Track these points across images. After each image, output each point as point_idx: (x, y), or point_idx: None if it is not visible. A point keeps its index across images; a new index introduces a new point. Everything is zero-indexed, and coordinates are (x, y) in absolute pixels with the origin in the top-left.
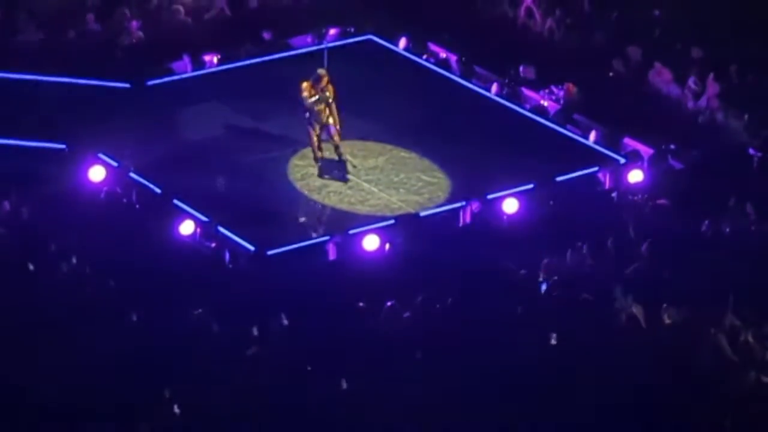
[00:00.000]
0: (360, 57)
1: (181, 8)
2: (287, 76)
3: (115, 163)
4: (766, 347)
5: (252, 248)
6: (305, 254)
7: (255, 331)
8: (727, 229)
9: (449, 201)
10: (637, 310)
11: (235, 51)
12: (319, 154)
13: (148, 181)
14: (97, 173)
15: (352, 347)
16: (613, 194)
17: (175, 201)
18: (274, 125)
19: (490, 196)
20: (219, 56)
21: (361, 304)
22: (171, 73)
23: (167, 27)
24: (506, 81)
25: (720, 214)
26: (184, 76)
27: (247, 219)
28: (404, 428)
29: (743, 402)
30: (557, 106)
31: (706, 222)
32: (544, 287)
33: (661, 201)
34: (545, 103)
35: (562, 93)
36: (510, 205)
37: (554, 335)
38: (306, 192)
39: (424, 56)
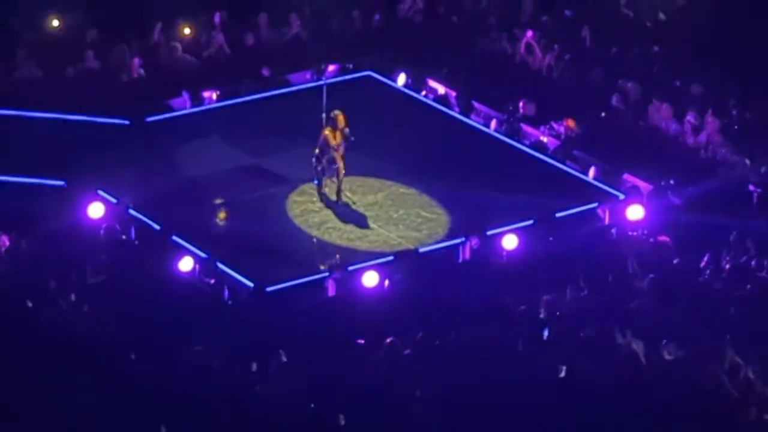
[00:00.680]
0: (359, 93)
1: (178, 45)
2: (286, 113)
3: (114, 200)
4: (767, 384)
5: (251, 284)
6: (304, 290)
7: (254, 367)
8: (727, 265)
9: (448, 237)
10: (637, 345)
11: (235, 87)
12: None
13: (147, 217)
14: (96, 210)
15: (351, 384)
16: (613, 230)
17: (174, 237)
18: (273, 161)
19: (489, 232)
20: (218, 93)
21: (360, 340)
22: (170, 109)
23: (166, 64)
24: (505, 117)
25: (720, 250)
26: (183, 112)
27: (246, 255)
28: None
29: None
30: (557, 142)
31: (706, 258)
32: (546, 332)
33: (663, 237)
34: (545, 139)
35: (562, 129)
36: (509, 242)
37: (563, 368)
38: (305, 228)
39: (423, 92)
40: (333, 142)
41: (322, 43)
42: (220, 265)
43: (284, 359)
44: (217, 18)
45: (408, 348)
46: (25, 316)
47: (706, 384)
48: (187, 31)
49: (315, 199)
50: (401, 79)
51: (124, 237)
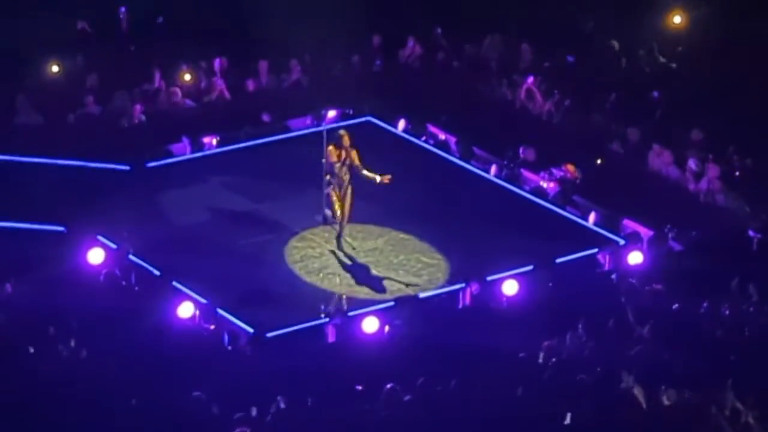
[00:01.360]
0: (359, 138)
1: (179, 90)
2: (287, 158)
3: (114, 245)
4: (767, 429)
5: (251, 330)
6: (304, 336)
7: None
8: (727, 311)
9: (449, 283)
10: (637, 390)
11: (235, 133)
12: (338, 215)
13: (147, 263)
14: (96, 255)
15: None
16: (613, 276)
17: (174, 283)
18: (273, 207)
19: (489, 278)
20: (218, 138)
21: (359, 387)
22: (170, 155)
23: (166, 109)
24: (505, 162)
25: (720, 296)
26: (183, 158)
27: (246, 301)
28: None
29: None
30: (559, 188)
31: (706, 304)
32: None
33: (657, 286)
34: (545, 185)
35: (561, 174)
36: (510, 287)
37: (569, 414)
38: (304, 274)
39: (423, 138)
40: (333, 158)
41: (322, 88)
42: (220, 311)
43: (282, 405)
44: (217, 64)
45: (408, 394)
46: (26, 361)
47: (707, 429)
48: (187, 77)
49: (315, 244)
50: (401, 124)
51: (123, 283)
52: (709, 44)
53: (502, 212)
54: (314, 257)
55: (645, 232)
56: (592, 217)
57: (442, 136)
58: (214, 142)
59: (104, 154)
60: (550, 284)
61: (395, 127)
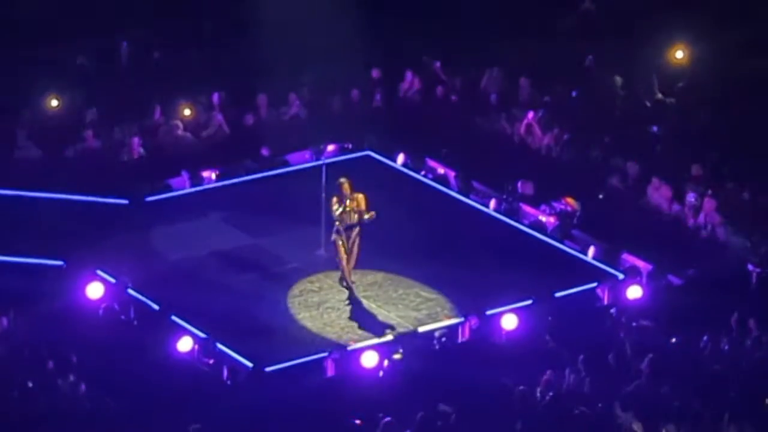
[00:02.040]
0: (358, 173)
1: (178, 124)
2: (286, 193)
3: (113, 280)
4: None
5: (250, 365)
6: (303, 371)
7: None
8: (726, 346)
9: (448, 317)
10: (636, 426)
11: (234, 167)
12: (349, 279)
13: (146, 297)
14: (95, 290)
15: None
16: (612, 310)
17: (173, 317)
18: (272, 241)
19: (488, 312)
20: (217, 173)
21: (358, 421)
22: (169, 189)
23: (166, 144)
24: (504, 197)
25: (719, 330)
26: (182, 192)
27: (245, 335)
28: None
29: None
30: (558, 221)
31: (705, 338)
32: None
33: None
34: (544, 219)
35: (561, 207)
36: (509, 321)
37: None
38: (303, 309)
39: (422, 172)
40: (332, 209)
41: (321, 123)
42: (219, 346)
43: None
44: (216, 98)
45: (407, 429)
46: (25, 396)
47: None
48: (186, 111)
49: (314, 278)
50: (400, 158)
51: (123, 317)
52: (709, 80)
53: (502, 246)
54: (313, 291)
55: (644, 267)
56: (591, 251)
57: (441, 170)
58: (214, 176)
59: (103, 189)
60: (550, 318)
61: (394, 161)
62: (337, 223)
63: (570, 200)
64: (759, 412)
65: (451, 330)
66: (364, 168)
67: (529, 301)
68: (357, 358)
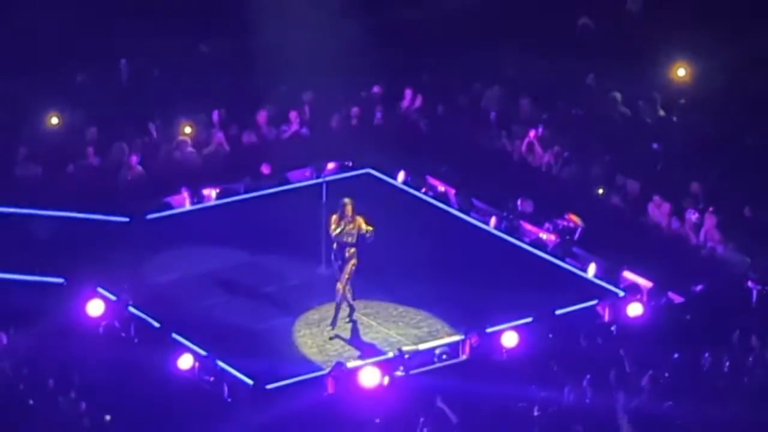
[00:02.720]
0: (359, 190)
1: (179, 143)
2: (286, 210)
3: (113, 297)
4: None
5: (251, 382)
6: (304, 388)
7: None
8: (727, 363)
9: (448, 334)
10: None
11: (234, 185)
12: (349, 298)
13: (146, 314)
14: (95, 307)
15: None
16: (613, 327)
17: (174, 335)
18: (272, 259)
19: (489, 330)
20: (218, 190)
21: None
22: (170, 207)
23: (166, 162)
24: (505, 214)
25: (720, 347)
26: (183, 210)
27: (245, 353)
28: None
29: None
30: (559, 239)
31: (706, 355)
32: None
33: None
34: (544, 236)
35: (564, 224)
36: (509, 339)
37: None
38: (304, 325)
39: (423, 189)
40: (330, 228)
41: (321, 140)
42: (220, 363)
43: None
44: (215, 116)
45: None
46: (25, 414)
47: None
48: (187, 129)
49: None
50: (401, 176)
51: (123, 334)
52: (710, 97)
53: (502, 264)
54: (313, 308)
55: (645, 284)
56: (591, 268)
57: (441, 188)
58: (214, 194)
59: (104, 206)
60: (550, 336)
61: (395, 178)
62: (334, 245)
63: (574, 217)
64: (761, 429)
65: (452, 347)
66: (364, 186)
67: (530, 319)
68: (357, 375)
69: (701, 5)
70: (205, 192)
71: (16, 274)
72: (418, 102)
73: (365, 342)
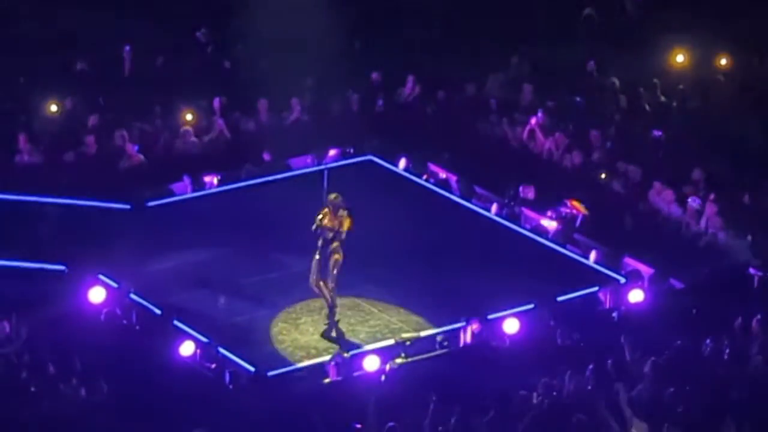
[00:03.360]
0: (360, 177)
1: (180, 130)
2: (287, 197)
3: (115, 284)
4: None
5: (252, 369)
6: (306, 375)
7: None
8: (727, 349)
9: (449, 321)
10: (637, 428)
11: (235, 172)
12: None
13: (148, 302)
14: (97, 294)
15: None
16: (614, 314)
17: (176, 322)
18: (273, 246)
19: (490, 316)
20: (219, 177)
21: (358, 425)
22: (171, 194)
23: (167, 149)
24: (506, 201)
25: (721, 334)
26: (184, 197)
27: (246, 340)
28: None
29: None
30: (561, 226)
31: (708, 341)
32: None
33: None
34: (546, 223)
35: (567, 210)
36: (511, 325)
37: None
38: (306, 313)
39: (424, 176)
40: (316, 219)
41: (323, 127)
42: (221, 350)
43: None
44: (216, 103)
45: None
46: (27, 401)
47: None
48: (188, 116)
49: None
50: (402, 163)
51: (125, 322)
52: (710, 83)
53: (503, 250)
54: (315, 296)
55: (646, 270)
56: (592, 255)
57: (443, 175)
58: (215, 181)
59: (105, 193)
60: (551, 323)
61: (396, 165)
62: (319, 242)
63: (576, 204)
64: (762, 415)
65: (453, 334)
66: (365, 172)
67: (531, 305)
68: (359, 362)
69: None
70: (207, 179)
71: (17, 262)
72: (419, 89)
73: (366, 328)
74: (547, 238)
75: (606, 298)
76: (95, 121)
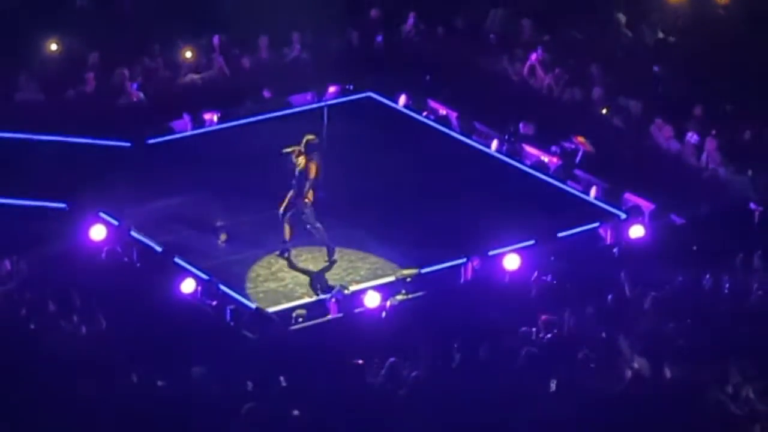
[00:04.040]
0: (359, 114)
1: (180, 67)
2: (287, 134)
3: (115, 222)
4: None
5: (253, 306)
6: (306, 311)
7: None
8: (728, 284)
9: (450, 258)
10: (638, 363)
11: (235, 109)
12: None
13: (148, 239)
14: (97, 232)
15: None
16: (615, 249)
17: (176, 259)
18: (274, 181)
19: (490, 253)
20: (219, 115)
21: (360, 361)
22: (171, 131)
23: (167, 86)
24: (506, 137)
25: (720, 269)
26: (184, 134)
27: (247, 277)
28: None
29: None
30: (562, 161)
31: (708, 277)
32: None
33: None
34: (546, 159)
35: (573, 147)
36: (511, 262)
37: (554, 381)
38: (307, 249)
39: (424, 113)
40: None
41: (322, 64)
42: (222, 287)
43: (284, 384)
44: (216, 40)
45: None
46: (27, 338)
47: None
48: (187, 54)
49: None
50: (402, 100)
51: (126, 259)
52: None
53: (503, 187)
54: (316, 231)
55: (646, 206)
56: (593, 191)
57: (443, 111)
58: (215, 118)
59: (105, 131)
60: (552, 259)
61: (396, 102)
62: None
63: (581, 140)
64: (762, 350)
65: (454, 271)
66: (365, 109)
67: (532, 242)
68: (360, 299)
69: None
70: (207, 116)
71: (17, 200)
72: (419, 25)
73: (367, 265)
74: (547, 175)
75: (606, 234)
76: (95, 59)
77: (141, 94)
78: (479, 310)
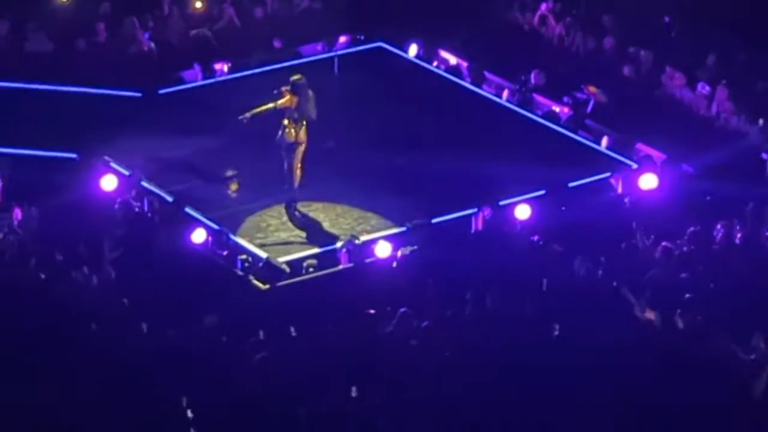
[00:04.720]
0: (370, 64)
1: (190, 17)
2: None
3: (126, 172)
4: None
5: (264, 256)
6: (318, 261)
7: (266, 337)
8: (740, 234)
9: (461, 207)
10: (650, 313)
11: (246, 60)
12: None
13: (159, 189)
14: (108, 182)
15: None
16: (626, 199)
17: (187, 209)
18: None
19: (501, 203)
20: (229, 65)
21: (372, 311)
22: (182, 81)
23: (178, 36)
24: (517, 87)
25: (732, 219)
26: (195, 84)
27: (258, 227)
28: None
29: (760, 404)
30: (574, 111)
31: (719, 227)
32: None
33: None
34: (557, 109)
35: (584, 96)
36: (522, 212)
37: (557, 326)
38: (317, 200)
39: (435, 63)
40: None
41: (333, 14)
42: (233, 237)
43: (294, 333)
44: None
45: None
46: (37, 288)
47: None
48: (198, 4)
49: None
50: (413, 50)
51: (136, 209)
52: None
53: (515, 137)
54: (325, 181)
55: (658, 156)
56: (604, 141)
57: (453, 61)
58: (226, 68)
59: (116, 81)
60: (563, 209)
61: (406, 52)
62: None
63: (593, 89)
64: None
65: (465, 220)
66: (375, 59)
67: (543, 192)
68: (371, 248)
69: None
70: (217, 67)
71: (28, 150)
72: None
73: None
74: (558, 124)
75: (618, 183)
76: (106, 8)
77: (152, 44)
78: (489, 260)
